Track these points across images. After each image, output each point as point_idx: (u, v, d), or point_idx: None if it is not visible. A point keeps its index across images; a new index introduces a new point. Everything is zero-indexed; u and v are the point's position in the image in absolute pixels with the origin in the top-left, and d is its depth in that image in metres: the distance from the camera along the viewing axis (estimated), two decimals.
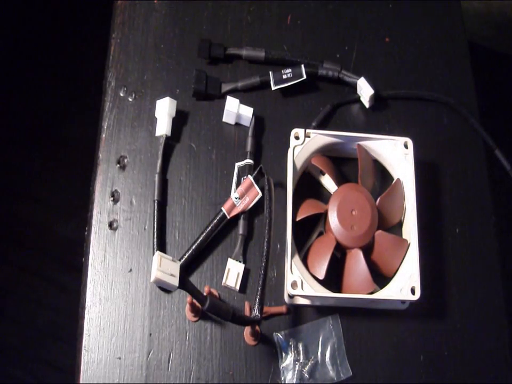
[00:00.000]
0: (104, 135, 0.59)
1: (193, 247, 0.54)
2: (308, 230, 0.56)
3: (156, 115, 0.59)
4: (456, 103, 0.64)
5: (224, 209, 0.54)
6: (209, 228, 0.54)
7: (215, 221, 0.54)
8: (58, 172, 1.32)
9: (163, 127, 0.58)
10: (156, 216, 0.55)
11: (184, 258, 0.53)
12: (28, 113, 1.41)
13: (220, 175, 0.58)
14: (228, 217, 0.54)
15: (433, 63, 0.67)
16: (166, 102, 0.58)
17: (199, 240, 0.54)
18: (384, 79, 0.65)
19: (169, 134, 0.58)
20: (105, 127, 0.59)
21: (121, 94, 0.61)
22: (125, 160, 0.58)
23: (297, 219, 0.54)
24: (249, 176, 0.55)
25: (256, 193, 0.54)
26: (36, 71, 1.44)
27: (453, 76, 0.67)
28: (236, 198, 0.53)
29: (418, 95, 0.65)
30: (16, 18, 1.47)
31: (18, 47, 1.46)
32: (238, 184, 0.57)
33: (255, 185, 0.53)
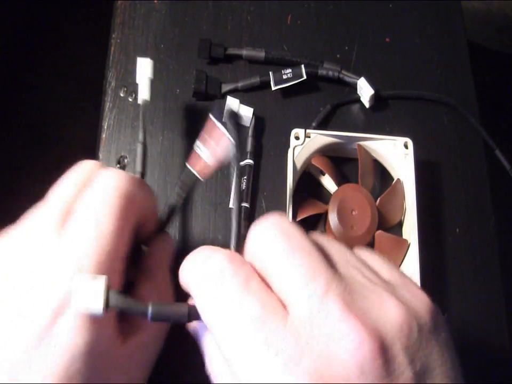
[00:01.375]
0: (104, 135, 0.59)
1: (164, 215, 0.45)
2: (308, 230, 0.56)
3: (137, 80, 0.53)
4: (456, 103, 0.64)
5: (189, 166, 0.40)
6: (175, 197, 0.43)
7: (183, 183, 0.42)
8: (58, 172, 1.32)
9: (145, 92, 0.52)
10: None
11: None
12: (28, 113, 1.41)
13: (220, 175, 0.58)
14: (198, 175, 0.40)
15: (433, 63, 0.67)
16: (147, 62, 0.53)
17: (170, 206, 0.44)
18: (384, 79, 0.65)
19: (148, 98, 0.52)
20: (105, 127, 0.59)
21: (121, 94, 0.61)
22: (125, 160, 0.58)
23: (297, 219, 0.54)
24: (210, 115, 0.40)
25: (225, 139, 0.39)
26: (36, 71, 1.44)
27: (453, 76, 0.67)
28: (200, 148, 0.39)
29: (418, 95, 0.65)
30: (16, 18, 1.47)
31: (18, 47, 1.46)
32: (238, 184, 0.57)
33: (222, 129, 0.39)
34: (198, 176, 0.38)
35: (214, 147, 0.38)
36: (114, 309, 0.32)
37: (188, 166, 0.38)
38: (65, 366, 0.31)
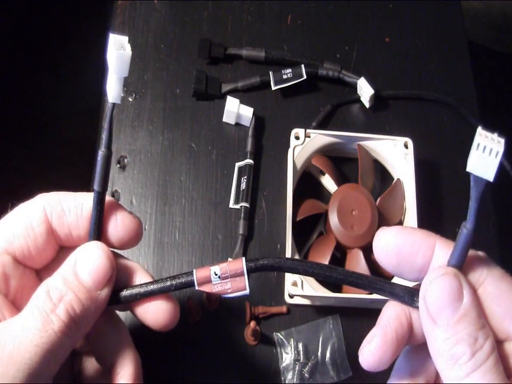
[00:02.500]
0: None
1: (141, 290, 0.34)
2: (308, 230, 0.56)
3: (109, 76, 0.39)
4: (456, 103, 0.64)
5: (195, 276, 0.34)
6: (167, 284, 0.34)
7: (179, 281, 0.34)
8: (58, 172, 1.32)
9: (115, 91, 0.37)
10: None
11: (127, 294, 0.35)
12: (28, 113, 1.41)
13: (220, 175, 0.58)
14: (196, 287, 0.35)
15: (433, 63, 0.67)
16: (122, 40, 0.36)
17: (148, 287, 0.35)
18: (384, 79, 0.65)
19: (118, 101, 0.37)
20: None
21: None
22: (125, 160, 0.58)
23: (297, 219, 0.54)
24: (243, 259, 0.34)
25: (243, 287, 0.35)
26: (36, 71, 1.44)
27: (453, 76, 0.67)
28: (216, 276, 0.35)
29: (418, 95, 0.65)
30: (16, 18, 1.47)
31: (18, 47, 1.46)
32: (238, 184, 0.57)
33: (246, 278, 0.34)
34: (196, 285, 0.34)
35: (228, 289, 0.35)
36: None
37: (195, 273, 0.34)
38: None
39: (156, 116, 0.60)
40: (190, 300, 0.50)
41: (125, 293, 0.34)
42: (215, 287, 0.35)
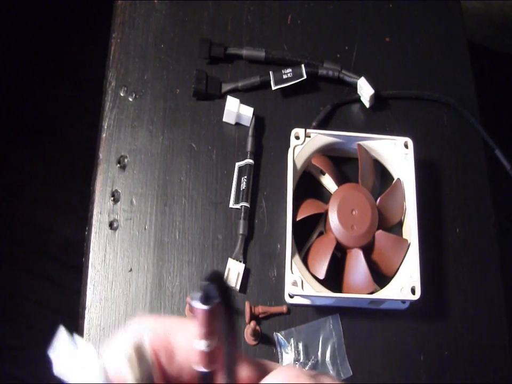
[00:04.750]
0: (104, 135, 0.59)
1: None
2: (308, 230, 0.56)
3: None
4: (456, 103, 0.64)
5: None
6: None
7: None
8: (58, 172, 1.32)
9: None
10: None
11: None
12: (28, 113, 1.41)
13: (220, 175, 0.58)
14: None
15: (433, 63, 0.67)
16: None
17: None
18: (384, 79, 0.65)
19: None
20: (105, 127, 0.59)
21: (121, 94, 0.61)
22: (125, 160, 0.58)
23: (297, 219, 0.54)
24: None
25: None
26: (36, 71, 1.44)
27: (453, 76, 0.67)
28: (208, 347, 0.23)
29: (418, 95, 0.65)
30: (17, 18, 1.47)
31: (18, 47, 1.46)
32: (238, 184, 0.57)
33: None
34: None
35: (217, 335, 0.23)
36: None
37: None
38: None
39: (156, 116, 0.60)
40: (189, 299, 0.50)
41: None
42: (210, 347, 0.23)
